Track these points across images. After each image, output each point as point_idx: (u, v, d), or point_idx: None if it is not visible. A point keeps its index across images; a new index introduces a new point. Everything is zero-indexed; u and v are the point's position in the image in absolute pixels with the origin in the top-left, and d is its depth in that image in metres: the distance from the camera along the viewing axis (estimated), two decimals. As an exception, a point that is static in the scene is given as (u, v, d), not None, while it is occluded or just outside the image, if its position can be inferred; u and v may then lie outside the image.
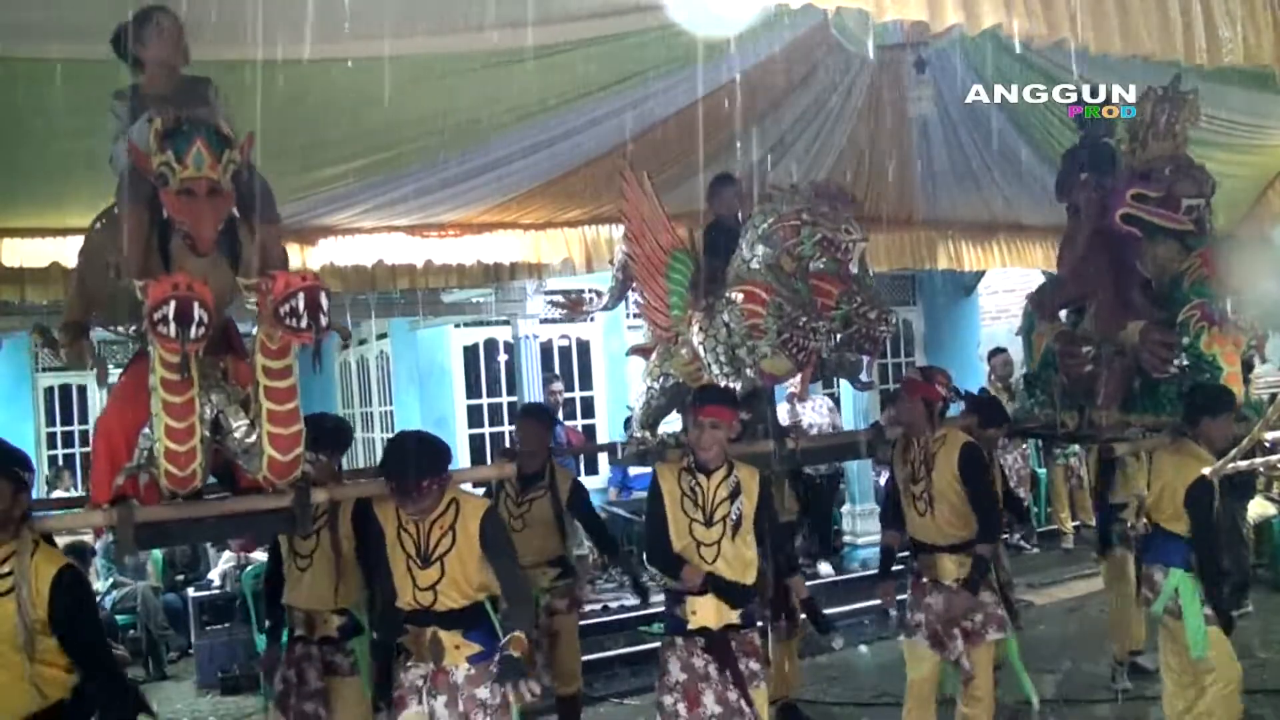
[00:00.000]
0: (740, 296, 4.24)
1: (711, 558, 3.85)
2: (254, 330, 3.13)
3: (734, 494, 3.88)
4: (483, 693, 3.54)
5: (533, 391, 8.17)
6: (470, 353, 9.49)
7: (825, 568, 8.62)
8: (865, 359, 4.62)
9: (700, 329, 4.43)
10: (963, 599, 4.42)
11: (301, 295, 2.89)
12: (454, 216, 6.24)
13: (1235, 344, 4.68)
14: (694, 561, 3.85)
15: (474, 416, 9.43)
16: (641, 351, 5.03)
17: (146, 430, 3.18)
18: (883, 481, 7.03)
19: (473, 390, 9.46)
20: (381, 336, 9.71)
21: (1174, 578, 4.34)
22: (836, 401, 9.70)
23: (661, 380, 4.73)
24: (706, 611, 3.86)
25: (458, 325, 9.30)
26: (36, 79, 3.81)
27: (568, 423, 8.98)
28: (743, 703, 3.77)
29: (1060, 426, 5.35)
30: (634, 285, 4.95)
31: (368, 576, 3.96)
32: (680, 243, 4.68)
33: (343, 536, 4.08)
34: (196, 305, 2.85)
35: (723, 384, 4.29)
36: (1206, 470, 4.15)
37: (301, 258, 5.98)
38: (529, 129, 5.18)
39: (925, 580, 4.56)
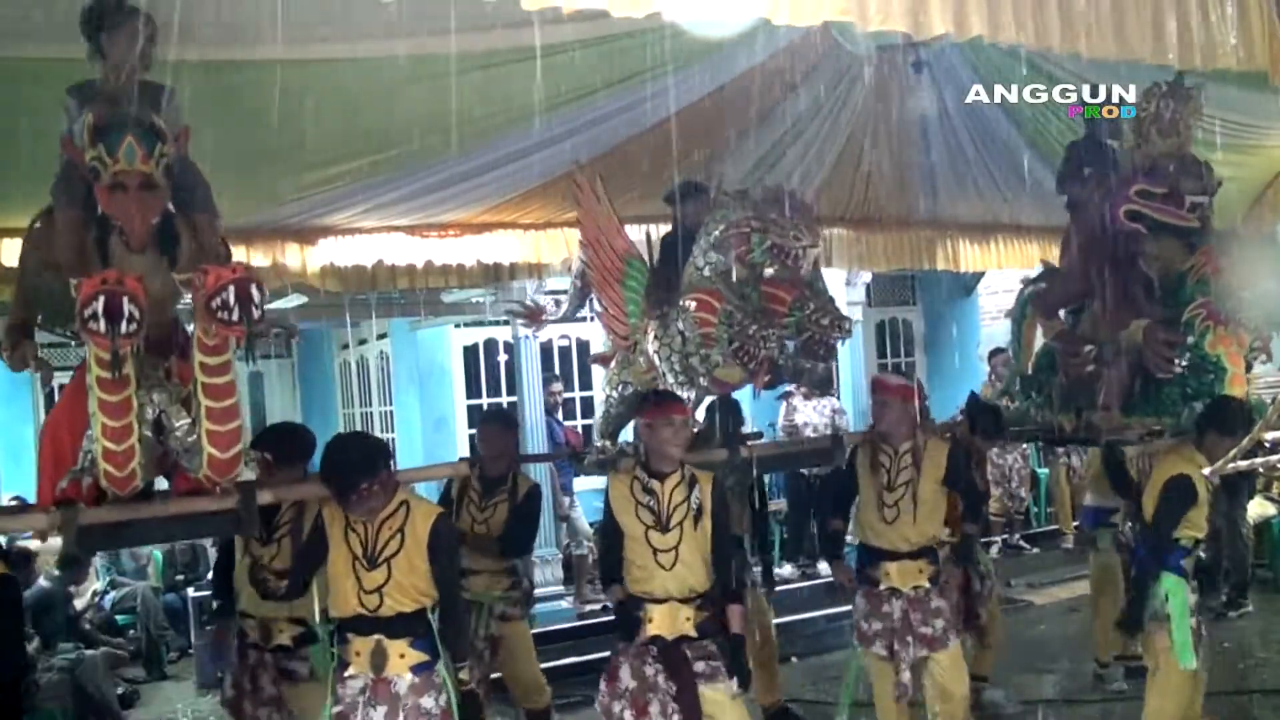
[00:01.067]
0: (693, 305, 4.18)
1: (669, 564, 3.81)
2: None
3: (689, 499, 3.85)
4: (427, 702, 3.48)
5: (533, 391, 8.15)
6: (470, 353, 9.48)
7: (824, 567, 8.61)
8: (820, 365, 4.55)
9: (655, 337, 4.36)
10: (929, 604, 4.45)
11: (232, 288, 2.86)
12: (454, 216, 6.24)
13: (1240, 344, 4.65)
14: (651, 570, 3.82)
15: (474, 416, 9.37)
16: (601, 360, 4.97)
17: (90, 433, 3.15)
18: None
19: (473, 390, 9.44)
20: (381, 336, 9.71)
21: (1166, 582, 4.29)
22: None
23: (620, 389, 4.69)
24: (662, 620, 3.82)
25: (458, 325, 9.29)
26: (36, 79, 3.81)
27: (567, 423, 8.97)
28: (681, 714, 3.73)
29: (1058, 429, 5.31)
30: (592, 293, 4.89)
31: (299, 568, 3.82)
32: (634, 250, 4.62)
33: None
34: (126, 300, 2.82)
35: (678, 393, 4.22)
36: (1206, 470, 4.16)
37: (301, 258, 5.99)
38: (529, 129, 5.17)
39: (882, 589, 4.49)
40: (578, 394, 9.75)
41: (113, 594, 7.87)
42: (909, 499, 4.48)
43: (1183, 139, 4.82)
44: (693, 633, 3.82)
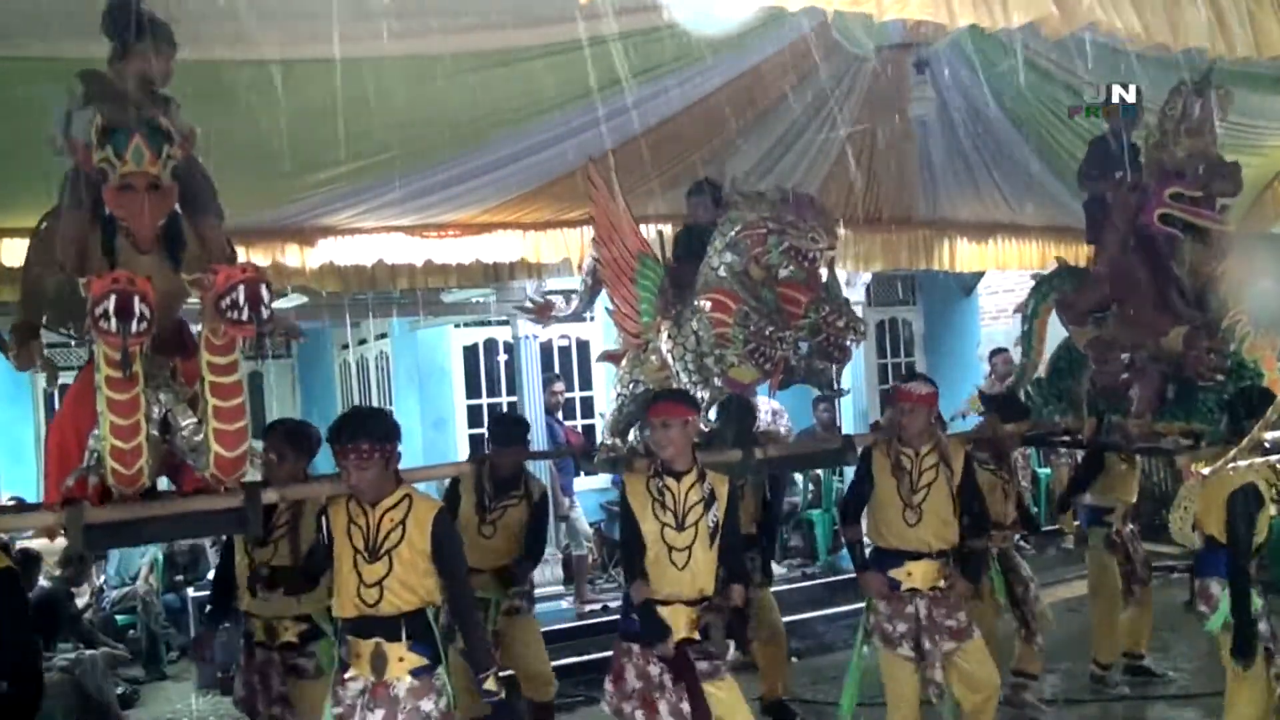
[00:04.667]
0: (708, 304, 4.19)
1: (683, 563, 3.82)
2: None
3: (708, 499, 3.85)
4: (426, 705, 3.47)
5: (533, 391, 8.16)
6: (470, 353, 9.48)
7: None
8: (834, 367, 4.55)
9: (669, 336, 4.37)
10: (949, 600, 4.43)
11: (242, 288, 2.89)
12: (454, 216, 6.24)
13: (1273, 348, 4.61)
14: (665, 569, 3.82)
15: (474, 416, 9.41)
16: (612, 358, 4.97)
17: (96, 432, 3.17)
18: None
19: (473, 390, 9.45)
20: (381, 336, 9.71)
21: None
22: (832, 401, 9.69)
23: (632, 387, 4.69)
24: (671, 622, 3.81)
25: (458, 325, 9.29)
26: (36, 79, 3.81)
27: (567, 423, 8.97)
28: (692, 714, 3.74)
29: (1086, 436, 5.24)
30: (604, 290, 4.89)
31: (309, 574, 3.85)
32: (647, 248, 4.62)
33: (303, 544, 4.00)
34: (137, 299, 2.85)
35: (693, 393, 4.22)
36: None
37: (301, 258, 5.99)
38: (529, 129, 5.17)
39: (903, 590, 4.45)
40: (577, 394, 9.75)
41: (113, 594, 7.86)
42: (932, 501, 4.43)
43: (1209, 139, 4.78)
44: (695, 635, 3.82)
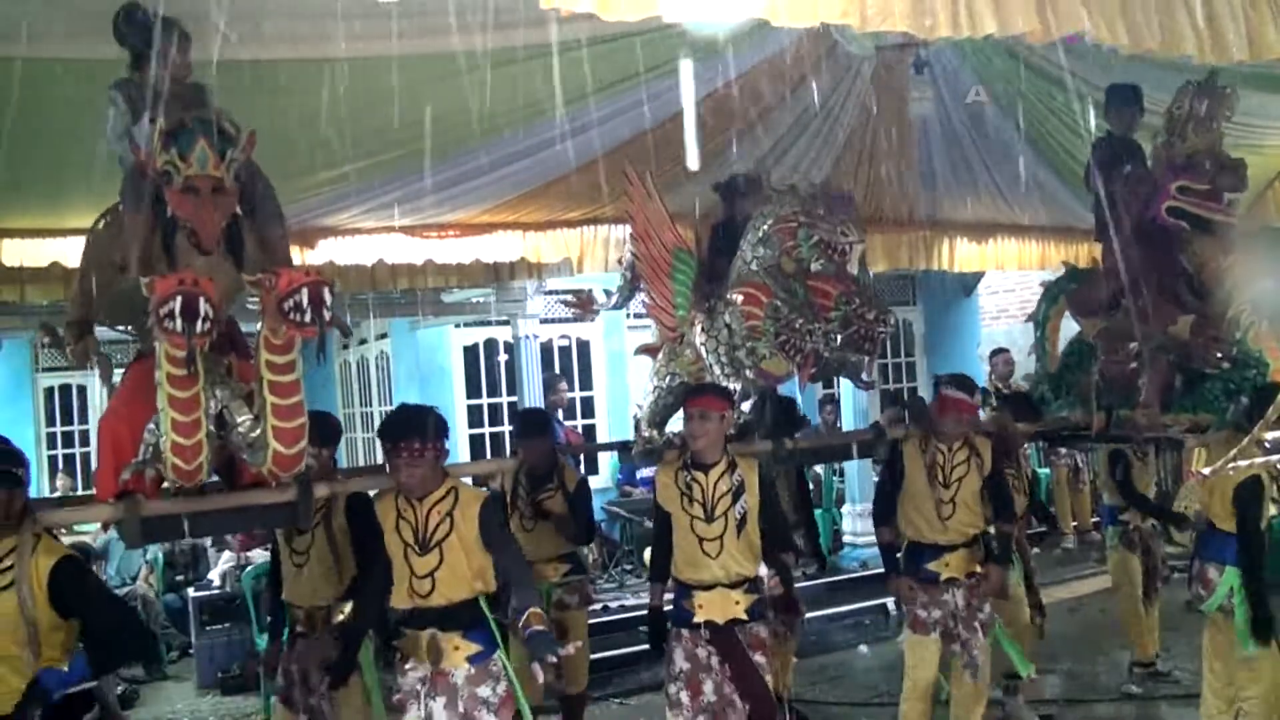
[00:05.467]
0: (740, 298, 4.27)
1: (715, 553, 3.94)
2: (257, 328, 3.16)
3: (736, 489, 3.95)
4: (484, 690, 3.54)
5: (533, 391, 8.17)
6: (470, 353, 9.49)
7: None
8: (865, 359, 4.63)
9: (703, 329, 4.47)
10: (985, 587, 4.63)
11: (305, 290, 2.93)
12: (454, 216, 6.24)
13: (1278, 339, 4.66)
14: (698, 559, 3.95)
15: (474, 416, 9.43)
16: (649, 351, 5.07)
17: (151, 426, 3.20)
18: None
19: (473, 390, 9.46)
20: (381, 336, 9.72)
21: (1230, 576, 4.31)
22: (837, 403, 9.71)
23: (669, 380, 4.76)
24: (712, 606, 3.95)
25: (458, 325, 9.30)
26: (36, 79, 3.81)
27: (567, 423, 8.98)
28: (735, 696, 3.86)
29: (1094, 429, 5.27)
30: (641, 285, 4.98)
31: (363, 574, 3.98)
32: (683, 242, 4.70)
33: (337, 531, 4.13)
34: (202, 300, 2.89)
35: (724, 384, 4.31)
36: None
37: (301, 258, 5.98)
38: (529, 129, 5.17)
39: (941, 579, 4.61)
40: (578, 394, 9.77)
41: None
42: (963, 494, 4.61)
43: (1215, 136, 4.86)
44: (743, 615, 3.95)
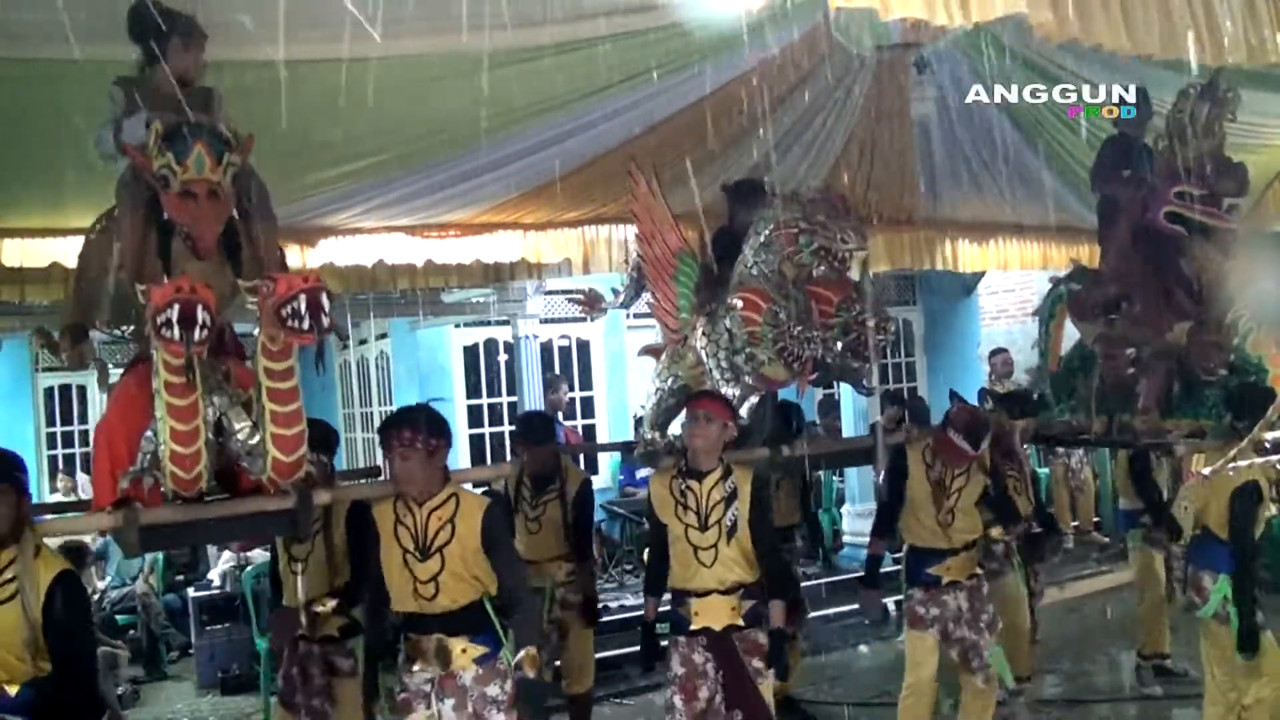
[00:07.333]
0: (740, 303, 4.27)
1: (710, 561, 3.93)
2: (254, 332, 3.13)
3: (729, 497, 3.93)
4: (493, 690, 3.54)
5: (533, 391, 8.16)
6: (470, 353, 9.48)
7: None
8: (866, 365, 4.62)
9: (703, 333, 4.47)
10: (983, 592, 4.68)
11: (303, 297, 2.89)
12: (454, 216, 6.23)
13: (1277, 344, 4.65)
14: (693, 567, 3.94)
15: (474, 416, 9.42)
16: (652, 352, 5.07)
17: (149, 434, 3.18)
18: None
19: (473, 390, 9.45)
20: (381, 336, 9.71)
21: (1224, 583, 4.29)
22: (836, 405, 9.69)
23: (670, 382, 4.76)
24: (708, 613, 3.94)
25: (458, 325, 9.29)
26: (37, 80, 3.81)
27: (567, 423, 8.98)
28: (725, 705, 3.87)
29: (1093, 433, 5.32)
30: (646, 286, 4.98)
31: (360, 580, 4.00)
32: (686, 245, 4.70)
33: (337, 538, 4.15)
34: (200, 308, 2.85)
35: (723, 389, 4.31)
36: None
37: (301, 258, 5.97)
38: (529, 129, 5.17)
39: (944, 581, 4.66)
40: (578, 394, 9.76)
41: (113, 594, 7.86)
42: (964, 501, 4.66)
43: (1218, 140, 4.85)
44: (740, 622, 3.94)
